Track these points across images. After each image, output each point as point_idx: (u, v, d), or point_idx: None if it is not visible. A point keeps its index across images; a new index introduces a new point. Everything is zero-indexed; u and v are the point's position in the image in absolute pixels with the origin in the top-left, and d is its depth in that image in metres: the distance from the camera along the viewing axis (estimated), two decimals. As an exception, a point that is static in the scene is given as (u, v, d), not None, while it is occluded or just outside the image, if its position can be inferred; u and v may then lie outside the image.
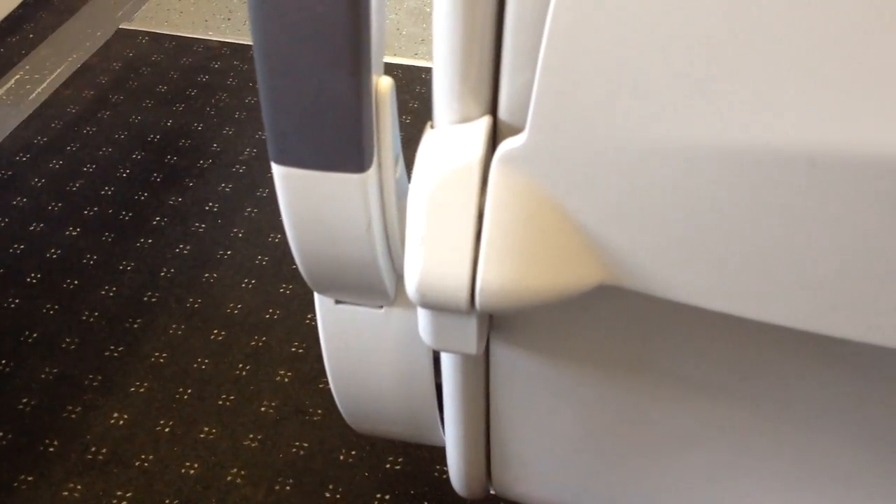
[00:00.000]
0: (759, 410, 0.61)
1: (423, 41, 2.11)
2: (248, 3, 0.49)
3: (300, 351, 1.40)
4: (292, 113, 0.52)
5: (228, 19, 2.20)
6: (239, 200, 1.68)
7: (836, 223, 0.43)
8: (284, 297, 1.49)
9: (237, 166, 1.76)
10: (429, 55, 2.04)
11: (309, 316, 1.46)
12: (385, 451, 1.26)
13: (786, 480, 0.66)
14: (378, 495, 1.21)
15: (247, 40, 2.13)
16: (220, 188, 1.71)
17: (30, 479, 1.22)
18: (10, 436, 1.27)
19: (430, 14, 2.19)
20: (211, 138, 1.84)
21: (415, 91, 1.92)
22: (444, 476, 1.24)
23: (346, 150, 0.53)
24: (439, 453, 1.25)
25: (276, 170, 0.56)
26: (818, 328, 0.47)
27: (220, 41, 2.13)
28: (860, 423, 0.59)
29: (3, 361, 1.38)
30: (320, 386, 1.35)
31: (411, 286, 0.51)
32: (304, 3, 0.47)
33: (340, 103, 0.51)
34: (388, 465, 1.24)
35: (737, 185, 0.44)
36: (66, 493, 1.20)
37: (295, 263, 0.59)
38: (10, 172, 1.74)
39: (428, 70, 2.00)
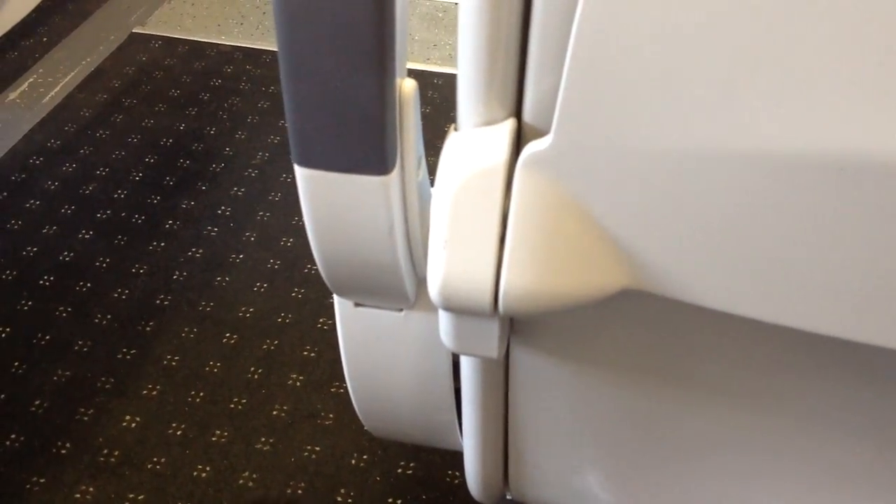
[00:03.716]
0: (784, 415, 0.61)
1: (436, 46, 2.11)
2: (274, 6, 0.49)
3: (312, 355, 1.40)
4: (316, 115, 0.52)
5: (241, 24, 2.21)
6: (251, 204, 1.69)
7: (866, 230, 0.43)
8: (296, 300, 1.49)
9: (249, 170, 1.77)
10: (441, 60, 2.05)
11: (321, 320, 1.46)
12: (397, 455, 1.26)
13: (808, 486, 0.65)
14: (390, 500, 1.21)
15: (259, 45, 2.13)
16: (233, 192, 1.71)
17: (42, 481, 1.22)
18: (22, 438, 1.27)
19: (442, 19, 2.20)
20: (223, 142, 1.84)
21: (428, 96, 1.93)
22: (457, 481, 1.23)
23: (370, 153, 0.53)
24: (452, 458, 1.25)
25: (299, 172, 0.56)
26: (845, 334, 0.47)
27: (232, 45, 2.13)
28: (884, 430, 0.58)
29: (16, 364, 1.38)
30: (332, 390, 1.35)
31: (434, 289, 0.51)
32: (330, 6, 0.47)
33: (364, 105, 0.51)
34: (399, 470, 1.24)
35: (764, 190, 0.44)
36: (78, 496, 1.20)
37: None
38: (23, 175, 1.74)
39: (441, 75, 2.00)
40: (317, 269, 0.64)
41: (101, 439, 1.27)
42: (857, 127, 0.40)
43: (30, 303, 1.48)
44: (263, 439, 1.28)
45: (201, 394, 1.34)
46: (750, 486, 0.68)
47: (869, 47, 0.39)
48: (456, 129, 0.53)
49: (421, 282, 0.65)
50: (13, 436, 1.28)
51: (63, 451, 1.26)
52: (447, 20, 2.20)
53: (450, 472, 1.24)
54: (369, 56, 0.49)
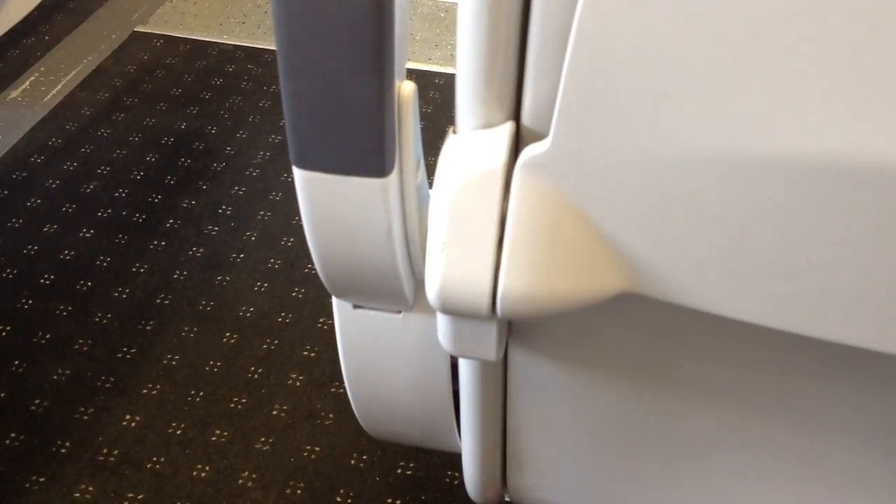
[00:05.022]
0: (780, 418, 0.61)
1: (437, 46, 2.11)
2: (272, 6, 0.49)
3: (312, 355, 1.40)
4: (314, 116, 0.52)
5: (243, 23, 2.21)
6: (252, 204, 1.69)
7: (865, 234, 0.43)
8: (297, 300, 1.49)
9: (250, 170, 1.77)
10: (443, 60, 2.05)
11: (321, 319, 1.46)
12: (396, 456, 1.26)
13: (808, 486, 0.65)
14: (389, 500, 1.21)
15: (261, 44, 2.13)
16: (234, 191, 1.71)
17: (41, 480, 1.22)
18: (22, 437, 1.27)
19: (444, 19, 2.20)
20: (224, 141, 1.84)
21: (429, 96, 1.93)
22: (456, 482, 1.23)
23: (368, 155, 0.53)
24: (451, 459, 1.25)
25: (297, 174, 0.55)
26: (844, 339, 0.46)
27: (234, 44, 2.13)
28: (883, 432, 0.58)
29: (16, 362, 1.38)
30: (332, 390, 1.35)
31: (432, 292, 0.51)
32: (328, 7, 0.47)
33: (363, 107, 0.51)
34: (399, 471, 1.24)
35: (762, 193, 0.44)
36: (77, 495, 1.20)
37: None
38: (24, 174, 1.74)
39: (442, 75, 2.00)
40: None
41: (100, 438, 1.27)
42: (855, 131, 0.40)
43: (30, 301, 1.48)
44: (263, 439, 1.28)
45: (201, 393, 1.34)
46: (749, 486, 0.68)
47: (867, 51, 0.39)
48: (455, 132, 0.53)
49: (419, 284, 0.65)
50: (13, 434, 1.28)
51: (63, 450, 1.26)
52: (449, 20, 2.20)
53: (449, 472, 1.24)
54: (368, 58, 0.49)
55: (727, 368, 0.59)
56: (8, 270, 1.54)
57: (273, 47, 2.10)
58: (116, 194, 1.70)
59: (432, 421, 0.77)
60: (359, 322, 0.70)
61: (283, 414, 1.31)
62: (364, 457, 1.26)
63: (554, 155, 0.47)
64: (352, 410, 0.81)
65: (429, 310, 0.66)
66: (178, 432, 1.29)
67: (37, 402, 1.32)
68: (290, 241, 1.60)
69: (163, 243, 1.60)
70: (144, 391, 1.34)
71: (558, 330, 0.61)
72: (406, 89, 0.54)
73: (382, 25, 0.48)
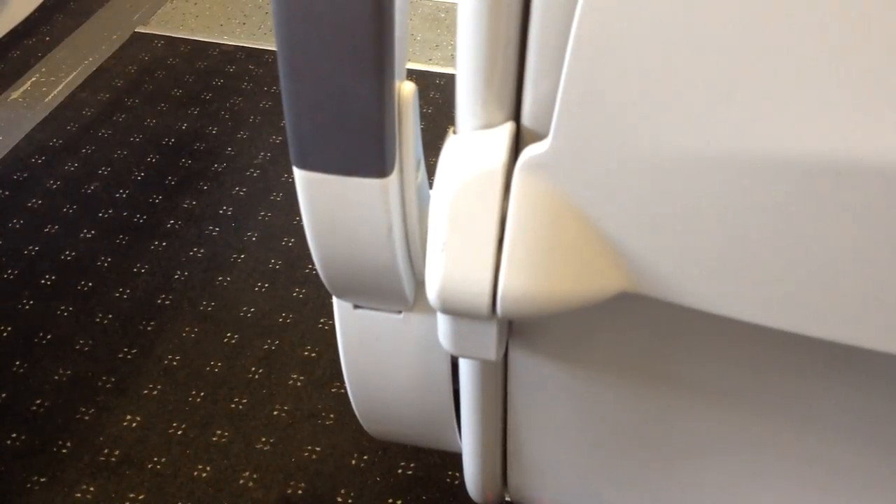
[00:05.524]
0: (780, 419, 0.61)
1: (438, 47, 2.11)
2: (273, 7, 0.49)
3: (313, 355, 1.40)
4: (315, 117, 0.52)
5: (244, 23, 2.21)
6: (253, 204, 1.69)
7: (866, 234, 0.43)
8: (297, 300, 1.49)
9: (251, 170, 1.77)
10: (443, 60, 2.05)
11: (322, 320, 1.46)
12: (397, 455, 1.26)
13: (808, 486, 0.65)
14: (390, 500, 1.21)
15: (262, 44, 2.13)
16: (234, 192, 1.72)
17: (42, 480, 1.22)
18: (23, 437, 1.27)
19: (444, 20, 2.20)
20: (225, 142, 1.84)
21: (430, 96, 1.93)
22: (456, 482, 1.23)
23: (369, 155, 0.53)
24: (451, 459, 1.25)
25: (298, 174, 0.56)
26: (846, 339, 0.47)
27: (235, 45, 2.13)
28: (883, 432, 0.58)
29: (17, 362, 1.38)
30: (332, 390, 1.35)
31: (432, 292, 0.51)
32: (329, 8, 0.47)
33: (363, 108, 0.51)
34: (399, 471, 1.24)
35: (762, 194, 0.44)
36: (78, 495, 1.20)
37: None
38: (25, 174, 1.75)
39: (442, 76, 2.00)
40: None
41: (101, 438, 1.27)
42: (855, 131, 0.40)
43: (31, 302, 1.48)
44: (264, 439, 1.28)
45: (202, 393, 1.34)
46: (749, 486, 0.68)
47: (866, 51, 0.39)
48: (455, 132, 0.53)
49: (420, 284, 0.65)
50: (14, 434, 1.28)
51: (64, 451, 1.26)
52: (449, 20, 2.20)
53: (449, 472, 1.24)
54: (368, 59, 0.49)
55: (727, 368, 0.59)
56: (9, 271, 1.54)
57: (274, 48, 2.10)
58: (117, 195, 1.70)
59: (432, 421, 0.77)
60: (359, 322, 0.70)
61: (283, 414, 1.31)
62: (365, 457, 1.26)
63: (554, 155, 0.47)
64: (352, 410, 0.81)
65: (429, 310, 0.66)
66: (179, 432, 1.29)
67: (38, 402, 1.32)
68: (290, 242, 1.60)
69: (163, 244, 1.60)
70: (145, 391, 1.34)
71: (558, 330, 0.61)
72: (406, 90, 0.55)
73: (382, 26, 0.48)
